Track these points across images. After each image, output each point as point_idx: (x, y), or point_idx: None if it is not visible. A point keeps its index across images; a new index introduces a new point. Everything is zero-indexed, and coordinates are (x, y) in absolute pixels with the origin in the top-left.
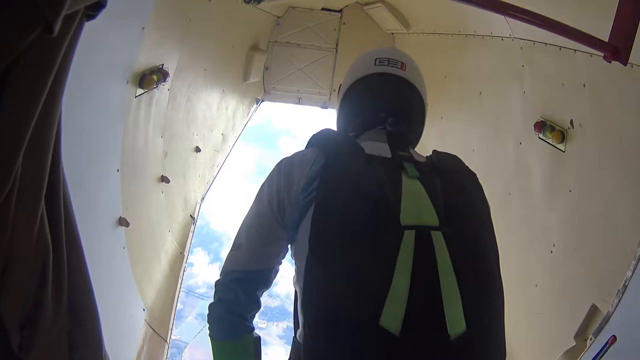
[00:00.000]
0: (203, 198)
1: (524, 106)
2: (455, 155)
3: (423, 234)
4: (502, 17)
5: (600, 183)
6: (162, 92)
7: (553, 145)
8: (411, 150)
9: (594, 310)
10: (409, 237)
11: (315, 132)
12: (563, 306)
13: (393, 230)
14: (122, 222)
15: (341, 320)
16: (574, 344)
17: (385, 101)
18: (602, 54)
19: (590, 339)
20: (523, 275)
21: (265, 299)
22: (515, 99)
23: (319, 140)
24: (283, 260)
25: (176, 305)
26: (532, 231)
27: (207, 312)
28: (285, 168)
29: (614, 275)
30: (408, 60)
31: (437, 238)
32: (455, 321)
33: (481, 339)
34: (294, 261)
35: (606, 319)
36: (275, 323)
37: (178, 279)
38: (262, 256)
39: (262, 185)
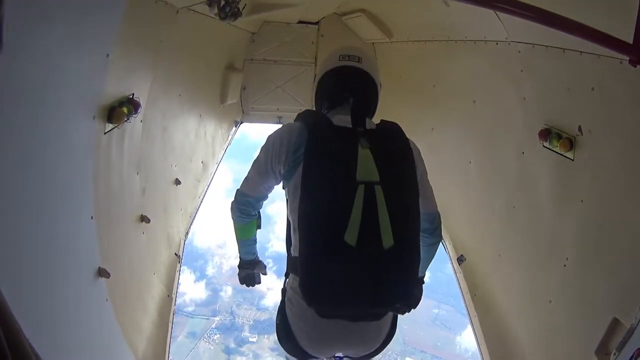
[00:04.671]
0: (187, 233)
1: (524, 114)
2: (396, 125)
3: (369, 187)
4: (497, 20)
5: (615, 191)
6: (134, 124)
7: (560, 154)
8: (367, 121)
9: (615, 323)
10: (361, 189)
11: (300, 112)
12: (581, 321)
13: (352, 184)
14: (102, 273)
15: (322, 234)
16: (596, 359)
17: (347, 86)
18: (628, 58)
19: (614, 354)
20: (535, 291)
21: (254, 312)
22: (515, 107)
23: (303, 117)
24: (270, 269)
25: (169, 353)
26: (541, 244)
27: (230, 207)
28: (279, 135)
29: (636, 287)
30: (364, 55)
31: (378, 190)
32: (387, 239)
33: (404, 250)
34: (287, 199)
35: (630, 332)
36: (266, 336)
37: (168, 324)
38: (258, 188)
39: (266, 140)
